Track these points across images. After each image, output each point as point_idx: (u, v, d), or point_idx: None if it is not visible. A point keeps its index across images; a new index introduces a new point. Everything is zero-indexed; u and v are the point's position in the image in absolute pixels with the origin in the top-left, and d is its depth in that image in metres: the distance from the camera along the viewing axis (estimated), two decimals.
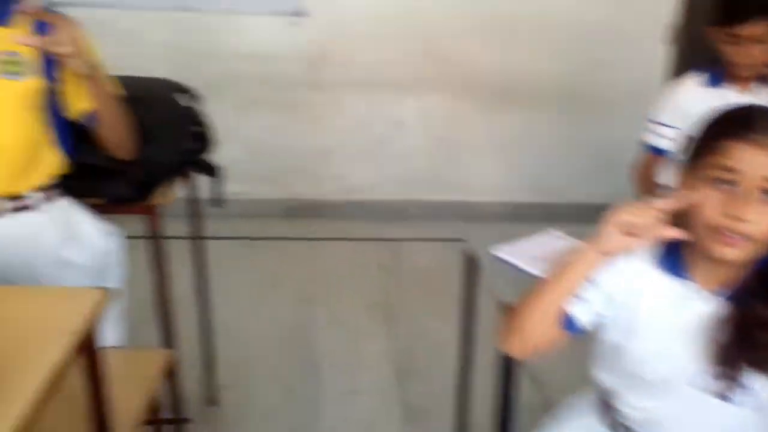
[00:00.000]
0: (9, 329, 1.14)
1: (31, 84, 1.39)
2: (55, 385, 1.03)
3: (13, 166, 1.41)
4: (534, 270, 1.43)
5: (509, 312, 1.14)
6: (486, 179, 3.49)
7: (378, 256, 3.15)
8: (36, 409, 0.97)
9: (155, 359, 1.62)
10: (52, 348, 1.08)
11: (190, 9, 3.08)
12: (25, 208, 1.46)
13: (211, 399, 2.22)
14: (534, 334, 1.05)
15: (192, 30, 3.14)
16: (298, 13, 3.11)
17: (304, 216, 3.43)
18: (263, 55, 3.20)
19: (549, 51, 3.26)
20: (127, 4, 3.02)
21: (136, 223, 1.68)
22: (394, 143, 3.41)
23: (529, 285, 1.09)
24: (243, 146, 3.16)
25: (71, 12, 1.45)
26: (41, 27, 1.34)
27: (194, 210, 2.05)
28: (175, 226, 1.84)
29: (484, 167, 3.48)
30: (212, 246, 2.27)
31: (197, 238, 2.13)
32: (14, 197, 1.44)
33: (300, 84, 3.28)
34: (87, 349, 1.17)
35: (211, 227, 2.20)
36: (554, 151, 3.43)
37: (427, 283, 2.92)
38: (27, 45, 1.32)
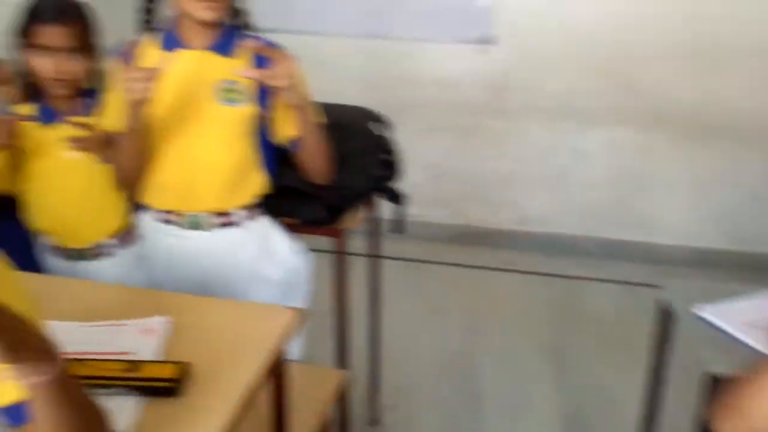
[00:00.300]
0: (209, 340, 1.22)
1: (246, 111, 1.50)
2: (251, 400, 1.09)
3: (224, 186, 1.53)
4: (752, 341, 1.27)
5: (724, 386, 1.01)
6: (677, 220, 3.22)
7: (551, 292, 3.02)
8: (234, 423, 1.03)
9: (331, 378, 1.66)
10: (249, 364, 1.14)
11: (384, 36, 3.19)
12: (230, 224, 1.57)
13: (374, 419, 2.25)
14: (760, 419, 0.92)
15: (384, 56, 3.25)
16: (485, 41, 3.10)
17: (476, 243, 3.39)
18: (448, 81, 3.23)
19: (761, 83, 2.94)
20: (328, 32, 3.20)
21: (316, 238, 1.75)
22: (576, 175, 3.26)
23: (750, 358, 0.96)
24: (422, 169, 3.20)
25: (275, 38, 1.54)
26: (260, 59, 1.44)
27: (373, 230, 2.10)
28: (351, 243, 1.88)
29: (676, 207, 3.21)
30: (382, 265, 2.31)
31: (374, 256, 2.17)
32: (221, 214, 1.56)
33: (482, 110, 3.26)
34: (276, 367, 1.22)
35: (382, 246, 2.24)
36: (761, 195, 3.08)
37: (604, 328, 2.74)
38: (247, 78, 1.43)
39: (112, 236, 1.69)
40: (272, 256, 1.63)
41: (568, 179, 3.28)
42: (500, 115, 3.24)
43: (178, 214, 1.55)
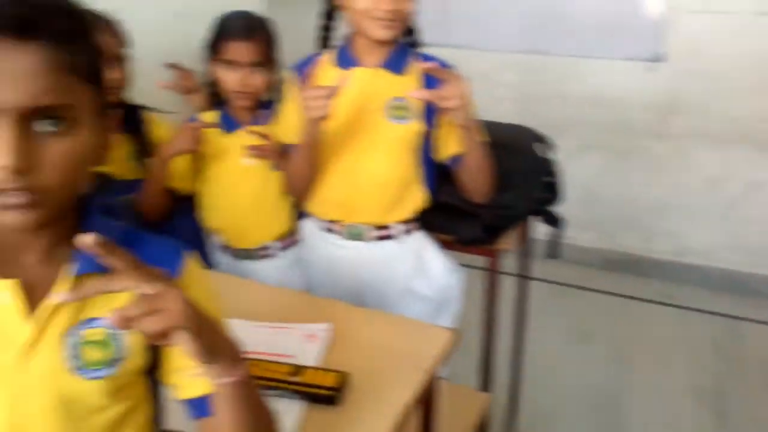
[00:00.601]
0: (366, 352, 1.24)
1: (412, 128, 1.52)
2: (406, 418, 1.09)
3: (386, 200, 1.56)
4: None
5: None
6: None
7: (711, 331, 2.78)
8: None
9: (475, 401, 1.64)
10: (406, 382, 1.14)
11: (541, 52, 3.12)
12: (387, 237, 1.59)
13: None
14: None
15: (539, 72, 3.17)
16: (655, 59, 2.93)
17: (628, 271, 3.21)
18: (608, 99, 3.09)
19: None
20: (484, 46, 3.18)
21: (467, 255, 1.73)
22: (747, 207, 2.99)
23: None
24: (571, 190, 3.07)
25: (430, 51, 1.55)
26: (430, 77, 1.45)
27: (525, 251, 2.04)
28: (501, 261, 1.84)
29: None
30: (530, 286, 2.24)
31: (524, 277, 2.12)
32: (381, 227, 1.58)
33: (643, 132, 3.08)
34: (429, 388, 1.22)
35: (532, 267, 2.18)
36: None
37: None
38: (418, 98, 1.44)
39: (276, 239, 1.78)
40: (426, 272, 1.63)
41: (738, 211, 3.01)
42: (662, 138, 3.05)
43: (340, 224, 1.59)
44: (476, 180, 1.56)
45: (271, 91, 1.79)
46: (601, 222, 3.27)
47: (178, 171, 1.69)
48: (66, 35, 0.68)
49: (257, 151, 1.64)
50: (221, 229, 1.79)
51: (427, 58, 1.50)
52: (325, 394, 1.08)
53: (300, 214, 1.79)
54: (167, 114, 1.89)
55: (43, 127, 0.67)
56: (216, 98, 1.76)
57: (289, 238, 1.80)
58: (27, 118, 0.65)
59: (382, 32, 1.45)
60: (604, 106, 3.10)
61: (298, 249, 1.80)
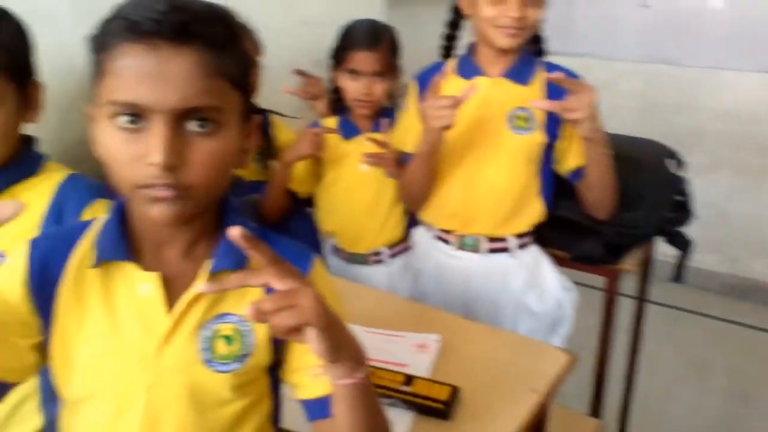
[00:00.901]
0: (477, 366, 1.22)
1: (534, 138, 1.48)
2: None
3: (502, 212, 1.52)
4: None
5: None
6: None
7: None
8: None
9: (585, 427, 1.57)
10: (519, 402, 1.11)
11: (668, 62, 2.96)
12: (502, 250, 1.56)
13: None
14: None
15: (665, 82, 3.01)
16: None
17: (753, 299, 2.98)
18: (741, 114, 2.88)
19: None
20: (604, 54, 3.06)
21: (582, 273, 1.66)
22: None
23: None
24: (698, 209, 2.89)
25: (552, 60, 1.51)
26: (554, 87, 1.40)
27: (645, 272, 1.94)
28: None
29: None
30: (647, 309, 2.12)
31: (642, 300, 2.01)
32: (496, 239, 1.55)
33: None
34: (542, 410, 1.18)
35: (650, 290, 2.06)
36: None
37: None
38: (541, 109, 1.40)
39: (387, 245, 1.79)
40: (539, 288, 1.59)
41: None
42: None
43: (454, 233, 1.58)
44: (599, 195, 1.49)
45: (392, 98, 1.81)
46: (727, 245, 3.05)
47: (298, 174, 1.74)
48: (219, 41, 0.71)
49: (374, 159, 1.65)
50: (336, 233, 1.82)
51: (552, 67, 1.45)
52: (436, 407, 1.07)
53: (412, 221, 1.80)
54: (291, 118, 1.95)
55: (192, 127, 0.70)
56: (338, 105, 1.80)
57: (400, 245, 1.81)
58: (179, 118, 0.69)
59: (506, 41, 1.42)
60: (736, 121, 2.90)
61: (408, 256, 1.80)
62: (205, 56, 0.70)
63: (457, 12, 1.57)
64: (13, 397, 0.88)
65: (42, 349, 0.79)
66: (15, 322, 0.76)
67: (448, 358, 1.24)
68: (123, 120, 0.69)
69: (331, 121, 1.79)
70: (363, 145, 1.71)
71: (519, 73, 1.49)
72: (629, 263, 1.63)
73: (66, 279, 0.78)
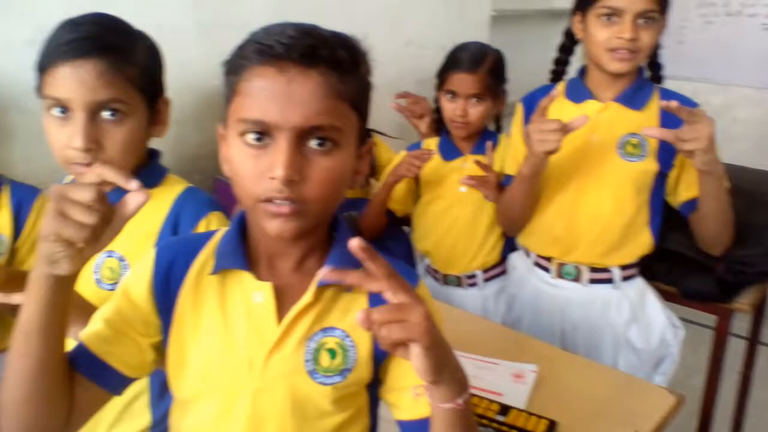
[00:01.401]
0: (574, 401, 1.17)
1: (645, 167, 1.42)
2: None
3: (608, 241, 1.47)
4: None
5: None
6: None
7: None
8: None
9: None
10: None
11: None
12: (604, 281, 1.50)
13: None
14: None
15: None
16: None
17: None
18: None
19: None
20: (723, 80, 2.91)
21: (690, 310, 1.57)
22: None
23: None
24: None
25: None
26: (668, 114, 1.33)
27: (758, 311, 1.81)
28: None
29: None
30: (759, 352, 1.98)
31: (754, 341, 1.88)
32: (598, 269, 1.50)
33: None
34: None
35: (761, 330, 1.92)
36: None
37: None
38: (653, 137, 1.34)
39: (483, 268, 1.77)
40: (643, 323, 1.51)
41: None
42: None
43: (554, 261, 1.54)
44: (714, 230, 1.41)
45: (496, 121, 1.79)
46: None
47: (397, 193, 1.76)
48: (343, 65, 0.74)
49: (475, 181, 1.64)
50: (430, 253, 1.82)
51: (668, 94, 1.39)
52: None
53: (508, 245, 1.77)
54: (392, 138, 1.98)
55: (312, 145, 0.73)
56: (440, 125, 1.80)
57: (495, 269, 1.78)
58: (301, 136, 0.72)
59: (618, 65, 1.38)
60: None
61: (503, 280, 1.77)
62: (329, 79, 0.72)
63: (570, 36, 1.54)
64: (126, 394, 0.93)
65: (159, 348, 0.83)
66: (138, 321, 0.82)
67: (545, 390, 1.20)
68: (251, 137, 0.73)
69: (432, 142, 1.79)
70: (462, 166, 1.71)
71: (632, 99, 1.43)
72: (742, 302, 1.52)
73: (187, 284, 0.82)
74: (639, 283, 1.53)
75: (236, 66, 0.75)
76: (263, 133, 0.72)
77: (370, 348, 0.81)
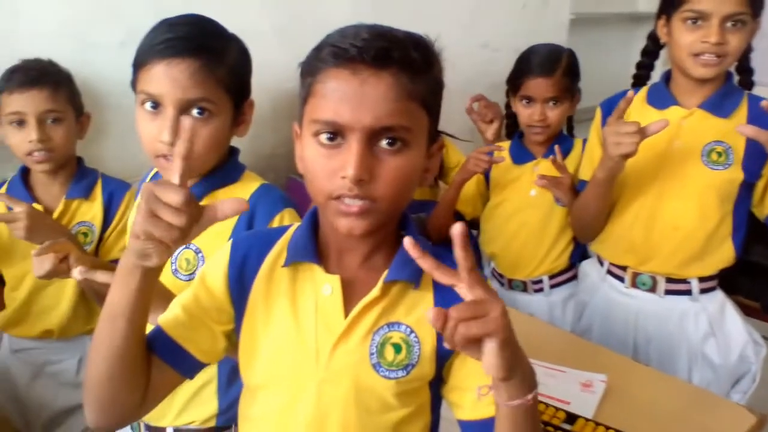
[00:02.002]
0: (645, 414, 1.14)
1: (730, 176, 1.36)
2: None
3: (687, 252, 1.42)
4: None
5: None
6: None
7: None
8: None
9: None
10: None
11: None
12: (682, 292, 1.45)
13: None
14: None
15: None
16: None
17: None
18: None
19: None
20: None
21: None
22: None
23: None
24: None
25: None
26: (760, 123, 1.27)
27: None
28: None
29: None
30: None
31: None
32: (676, 280, 1.45)
33: None
34: None
35: None
36: None
37: None
38: (746, 135, 1.27)
39: (549, 274, 1.74)
40: (722, 338, 1.45)
41: None
42: None
43: (628, 270, 1.49)
44: None
45: (568, 124, 1.76)
46: None
47: (466, 195, 1.75)
48: (414, 66, 0.75)
49: (549, 182, 1.62)
50: (496, 256, 1.80)
51: (757, 101, 1.32)
52: None
53: (576, 252, 1.74)
54: (462, 141, 1.97)
55: (383, 145, 0.74)
56: (512, 129, 1.79)
57: (562, 275, 1.75)
58: (372, 136, 0.74)
59: (703, 70, 1.33)
60: None
61: (572, 287, 1.74)
62: (400, 80, 0.74)
63: (654, 39, 1.50)
64: (195, 381, 0.97)
65: (231, 336, 0.87)
66: (213, 309, 0.85)
67: (614, 401, 1.17)
68: (324, 137, 0.75)
69: (504, 145, 1.78)
70: (534, 170, 1.69)
71: (719, 105, 1.38)
72: None
73: (261, 276, 0.85)
74: (718, 296, 1.47)
75: (312, 68, 0.77)
76: (336, 133, 0.74)
77: (434, 345, 0.81)
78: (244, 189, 1.11)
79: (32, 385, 1.48)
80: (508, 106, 1.78)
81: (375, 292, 0.80)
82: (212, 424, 1.13)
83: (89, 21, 1.57)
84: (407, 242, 0.70)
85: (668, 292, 1.46)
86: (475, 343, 0.67)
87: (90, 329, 1.49)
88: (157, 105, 1.01)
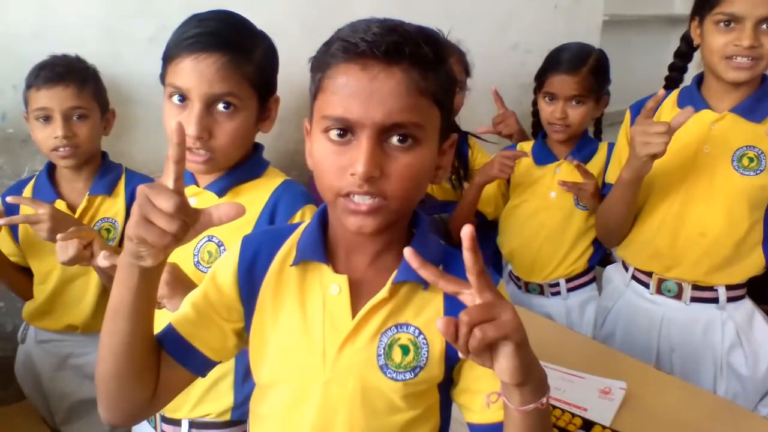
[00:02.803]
0: (664, 423, 1.12)
1: (761, 181, 1.33)
2: None
3: (715, 259, 1.38)
4: None
5: None
6: None
7: None
8: None
9: None
10: None
11: None
12: (709, 300, 1.42)
13: None
14: None
15: None
16: None
17: None
18: None
19: None
20: None
21: None
22: None
23: None
24: None
25: None
26: None
27: None
28: None
29: None
30: None
31: None
32: (703, 287, 1.41)
33: None
34: None
35: None
36: None
37: None
38: None
39: (567, 277, 1.71)
40: (750, 349, 1.41)
41: None
42: None
43: (654, 276, 1.46)
44: None
45: (594, 125, 1.73)
46: None
47: (488, 196, 1.74)
48: (426, 61, 0.74)
49: (571, 187, 1.59)
50: (514, 257, 1.79)
51: None
52: None
53: (597, 256, 1.71)
54: (489, 143, 1.96)
55: (393, 141, 0.73)
56: (537, 128, 1.77)
57: (579, 278, 1.73)
58: (383, 132, 0.73)
59: (735, 73, 1.30)
60: None
61: (590, 291, 1.72)
62: (412, 75, 0.72)
63: (688, 41, 1.47)
64: (212, 374, 0.97)
65: (241, 334, 0.86)
66: (223, 307, 0.85)
67: (633, 409, 1.15)
68: (333, 133, 0.74)
69: (527, 145, 1.76)
70: (555, 171, 1.67)
71: (752, 110, 1.34)
72: None
73: (270, 274, 0.85)
74: (747, 305, 1.43)
75: (321, 63, 0.76)
76: (345, 129, 0.73)
77: (443, 347, 0.80)
78: (268, 184, 1.12)
79: (55, 376, 1.50)
80: (534, 103, 1.76)
81: (383, 292, 0.79)
82: (227, 417, 1.14)
83: (118, 16, 1.59)
84: (407, 253, 0.69)
85: (694, 300, 1.43)
86: (487, 350, 0.66)
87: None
88: (184, 98, 1.03)
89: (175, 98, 1.03)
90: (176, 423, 1.14)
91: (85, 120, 1.40)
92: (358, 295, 0.81)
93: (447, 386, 0.84)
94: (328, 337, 0.81)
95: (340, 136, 0.74)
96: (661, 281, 1.45)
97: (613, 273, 1.60)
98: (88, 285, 1.46)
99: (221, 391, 1.13)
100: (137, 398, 0.81)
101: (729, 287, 1.41)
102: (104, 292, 1.46)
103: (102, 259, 1.00)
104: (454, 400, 0.86)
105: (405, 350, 0.80)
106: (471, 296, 0.67)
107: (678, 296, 1.44)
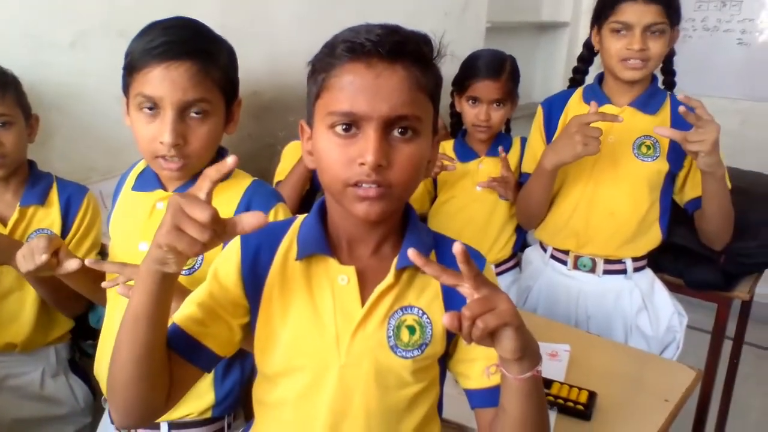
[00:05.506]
0: (605, 377, 1.28)
1: (657, 166, 1.55)
2: None
3: (622, 235, 1.59)
4: None
5: None
6: None
7: None
8: None
9: None
10: (655, 410, 1.17)
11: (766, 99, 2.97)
12: (617, 272, 1.62)
13: None
14: None
15: (761, 121, 3.01)
16: None
17: None
18: None
19: None
20: (699, 92, 3.04)
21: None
22: None
23: None
24: None
25: None
26: (679, 118, 1.42)
27: (745, 309, 1.96)
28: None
29: None
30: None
31: (736, 340, 2.02)
32: (612, 261, 1.61)
33: None
34: (673, 419, 1.23)
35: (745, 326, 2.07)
36: None
37: None
38: (664, 136, 1.46)
39: (495, 263, 1.87)
40: (652, 311, 1.63)
41: None
42: None
43: (570, 253, 1.65)
44: (716, 226, 1.54)
45: (508, 124, 1.90)
46: None
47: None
48: (424, 59, 0.82)
49: (497, 183, 1.74)
50: None
51: (677, 100, 1.52)
52: (578, 408, 1.14)
53: (520, 242, 1.88)
54: None
55: (396, 133, 0.80)
56: (457, 128, 1.91)
57: (506, 263, 1.89)
58: (387, 125, 0.79)
59: (630, 73, 1.50)
60: None
61: (514, 274, 1.88)
62: (412, 72, 0.80)
63: (589, 47, 1.67)
64: None
65: (246, 329, 0.90)
66: (228, 303, 0.88)
67: (579, 367, 1.30)
68: (340, 128, 0.80)
69: (447, 145, 1.89)
70: (478, 167, 1.82)
71: (646, 104, 1.56)
72: (742, 292, 1.66)
73: (274, 269, 0.88)
74: (648, 274, 1.65)
75: (325, 64, 0.81)
76: (351, 123, 0.79)
77: (443, 325, 0.89)
78: (238, 185, 1.14)
79: None
80: (452, 105, 1.90)
81: (389, 279, 0.86)
82: (208, 415, 1.15)
83: (37, 21, 1.52)
84: (411, 254, 0.75)
85: (606, 272, 1.63)
86: (491, 334, 0.74)
87: (52, 340, 1.44)
88: (154, 107, 1.04)
89: (145, 108, 1.04)
90: (155, 426, 1.14)
91: (10, 127, 1.32)
92: (364, 283, 0.87)
93: (444, 359, 0.92)
94: (340, 324, 0.86)
95: (345, 130, 0.79)
96: (577, 258, 1.64)
97: (531, 254, 1.78)
98: (24, 300, 1.39)
99: (201, 391, 1.14)
100: (155, 400, 0.82)
101: (634, 259, 1.62)
102: (43, 306, 1.39)
103: (73, 264, 1.00)
104: (451, 370, 0.94)
105: (411, 330, 0.87)
106: (469, 288, 0.75)
107: (592, 270, 1.63)
